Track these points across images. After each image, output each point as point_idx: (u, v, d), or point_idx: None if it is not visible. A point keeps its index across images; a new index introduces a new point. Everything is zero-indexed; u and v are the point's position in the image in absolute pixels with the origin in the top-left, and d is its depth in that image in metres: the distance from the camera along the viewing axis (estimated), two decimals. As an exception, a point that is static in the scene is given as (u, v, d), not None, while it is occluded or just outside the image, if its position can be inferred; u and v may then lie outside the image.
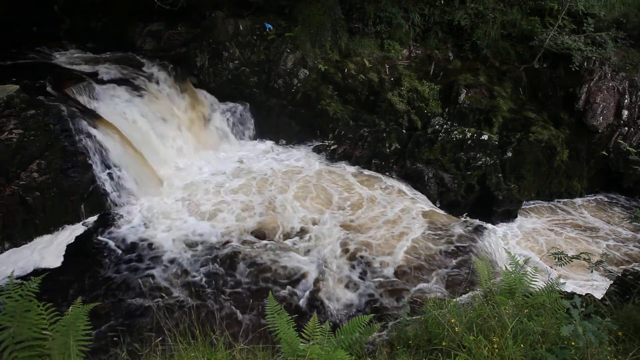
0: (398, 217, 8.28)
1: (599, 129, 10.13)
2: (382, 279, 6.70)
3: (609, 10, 10.86)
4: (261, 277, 6.57)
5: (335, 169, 9.95)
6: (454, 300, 4.24)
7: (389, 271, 6.87)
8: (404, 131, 10.65)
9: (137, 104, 9.14)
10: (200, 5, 11.73)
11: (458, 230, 7.96)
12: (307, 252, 7.24)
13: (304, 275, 6.70)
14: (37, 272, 6.33)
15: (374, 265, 6.96)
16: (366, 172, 9.94)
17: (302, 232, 7.72)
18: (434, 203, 9.14)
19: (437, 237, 7.75)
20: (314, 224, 7.96)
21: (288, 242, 7.45)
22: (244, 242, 7.33)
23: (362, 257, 7.10)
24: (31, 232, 6.94)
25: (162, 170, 9.01)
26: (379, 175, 9.84)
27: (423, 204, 8.89)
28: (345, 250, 7.27)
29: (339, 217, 8.17)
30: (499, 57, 11.16)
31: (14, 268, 6.21)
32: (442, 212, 8.74)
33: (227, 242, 7.30)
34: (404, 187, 9.46)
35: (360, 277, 6.75)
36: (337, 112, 10.83)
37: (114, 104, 8.81)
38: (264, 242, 7.38)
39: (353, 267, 6.93)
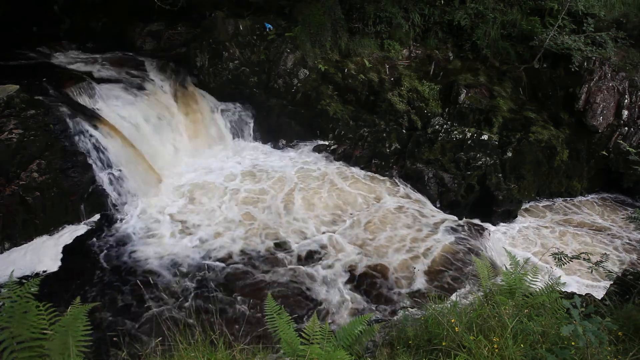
0: (418, 232, 7.98)
1: (599, 129, 10.13)
2: (397, 308, 6.34)
3: (609, 10, 10.85)
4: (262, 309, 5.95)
5: (344, 171, 9.79)
6: (454, 300, 4.24)
7: (406, 300, 6.52)
8: (404, 131, 10.64)
9: (137, 104, 9.14)
10: (200, 5, 11.74)
11: (472, 238, 7.81)
12: (315, 277, 6.77)
13: (314, 305, 6.25)
14: (36, 272, 6.34)
15: (389, 295, 6.54)
16: (379, 176, 9.69)
17: (311, 250, 7.30)
18: (434, 203, 9.14)
19: (455, 250, 7.56)
20: (323, 234, 7.64)
21: (291, 260, 7.07)
22: (245, 259, 7.02)
23: (379, 285, 6.67)
24: (31, 232, 6.94)
25: (162, 170, 9.01)
26: (395, 180, 9.63)
27: (441, 214, 8.76)
28: (360, 276, 6.84)
29: (353, 234, 7.75)
30: (499, 57, 11.16)
31: (14, 268, 6.20)
32: (452, 217, 8.70)
33: (227, 257, 7.04)
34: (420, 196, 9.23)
35: (374, 307, 6.32)
36: (337, 112, 10.82)
37: (113, 104, 8.81)
38: (269, 263, 6.97)
39: (368, 297, 6.49)
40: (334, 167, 10.01)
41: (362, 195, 9.02)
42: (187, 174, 9.28)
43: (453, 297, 5.97)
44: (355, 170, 9.91)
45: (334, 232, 7.84)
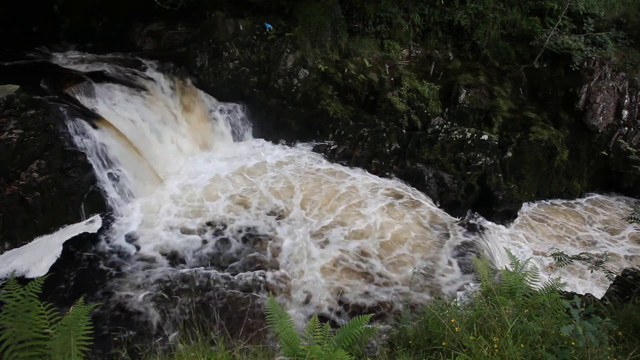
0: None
1: (599, 129, 10.13)
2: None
3: (609, 10, 10.86)
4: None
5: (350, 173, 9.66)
6: (454, 300, 4.25)
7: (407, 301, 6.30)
8: (404, 131, 10.65)
9: (137, 104, 9.14)
10: (200, 5, 11.74)
11: (472, 238, 7.76)
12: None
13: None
14: (36, 271, 6.33)
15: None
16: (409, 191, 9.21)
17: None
18: (434, 203, 9.14)
19: (455, 250, 7.52)
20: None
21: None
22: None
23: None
24: (31, 232, 6.94)
25: (162, 170, 9.00)
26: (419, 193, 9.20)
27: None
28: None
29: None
30: (499, 57, 11.16)
31: (14, 268, 6.21)
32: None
33: (228, 256, 7.05)
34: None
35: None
36: (337, 112, 10.83)
37: (113, 104, 8.80)
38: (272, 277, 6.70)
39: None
40: (332, 166, 9.99)
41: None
42: (186, 173, 9.28)
43: (453, 297, 5.97)
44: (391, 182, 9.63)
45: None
